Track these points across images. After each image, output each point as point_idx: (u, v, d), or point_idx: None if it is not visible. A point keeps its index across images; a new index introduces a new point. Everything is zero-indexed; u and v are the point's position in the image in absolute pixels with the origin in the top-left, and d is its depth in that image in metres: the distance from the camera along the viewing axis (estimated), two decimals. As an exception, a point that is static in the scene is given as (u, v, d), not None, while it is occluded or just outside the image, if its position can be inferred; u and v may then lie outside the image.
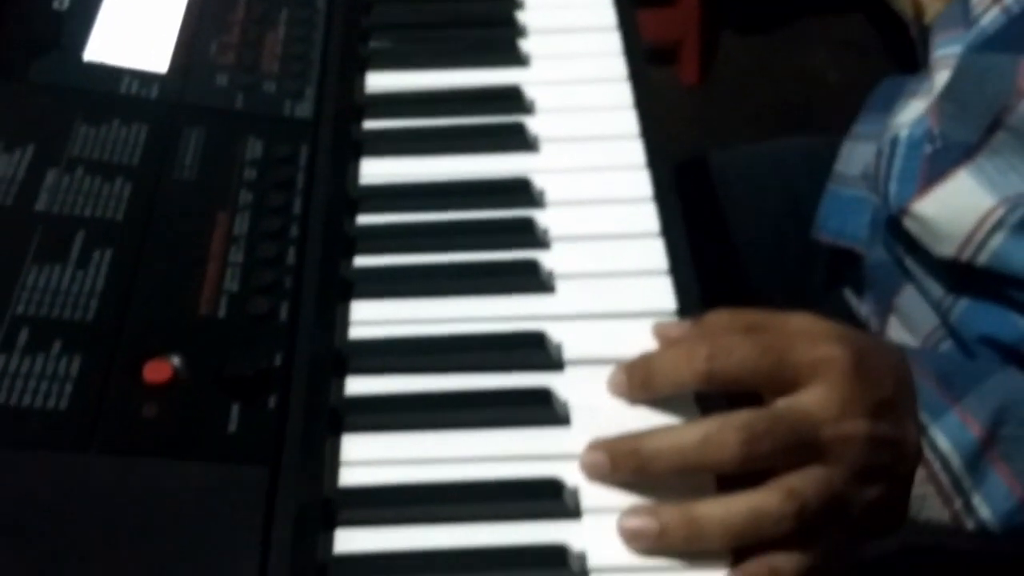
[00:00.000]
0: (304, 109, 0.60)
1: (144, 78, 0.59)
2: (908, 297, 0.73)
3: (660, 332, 0.53)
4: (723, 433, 0.46)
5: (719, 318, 0.52)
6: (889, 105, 0.80)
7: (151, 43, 0.61)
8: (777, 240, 0.87)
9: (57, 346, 0.47)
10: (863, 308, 0.78)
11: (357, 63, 0.65)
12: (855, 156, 0.80)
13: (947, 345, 0.69)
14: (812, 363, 0.48)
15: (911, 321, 0.73)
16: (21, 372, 0.46)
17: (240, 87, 0.60)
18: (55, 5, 0.61)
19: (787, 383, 0.48)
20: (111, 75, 0.59)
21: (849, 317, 0.79)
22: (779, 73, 1.92)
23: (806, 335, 0.50)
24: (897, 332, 0.74)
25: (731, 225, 0.88)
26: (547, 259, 0.56)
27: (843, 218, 0.79)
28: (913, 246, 0.70)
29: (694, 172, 0.92)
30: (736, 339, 0.49)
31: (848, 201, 0.79)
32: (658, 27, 1.84)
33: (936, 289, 0.70)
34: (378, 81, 0.66)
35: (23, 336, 0.47)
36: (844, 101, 1.92)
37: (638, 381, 0.50)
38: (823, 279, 0.82)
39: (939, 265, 0.68)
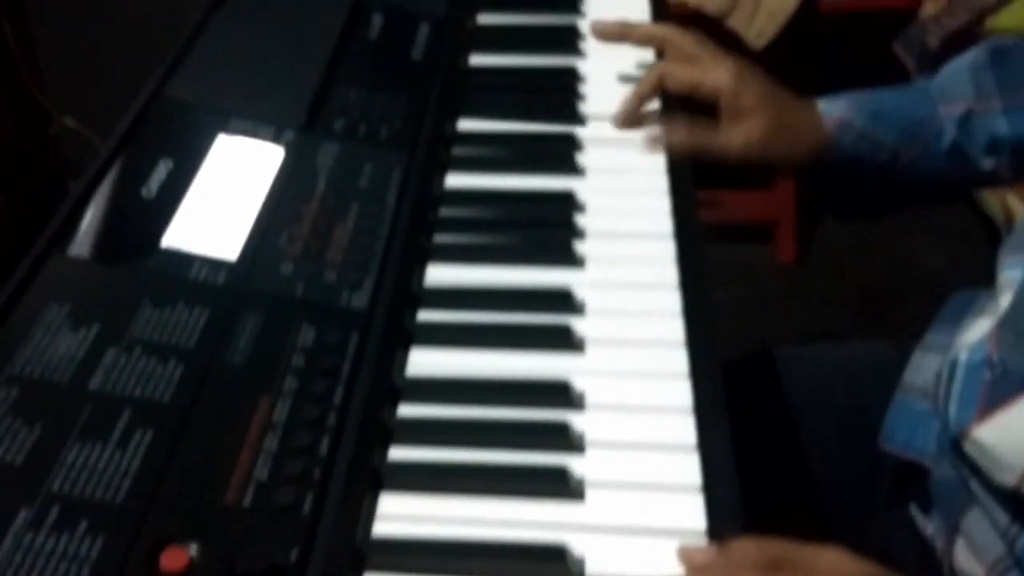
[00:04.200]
0: (360, 299, 0.61)
1: (214, 265, 0.61)
2: (975, 520, 0.67)
3: (684, 557, 0.49)
4: None
5: (744, 550, 0.48)
6: (959, 319, 0.76)
7: (227, 231, 0.63)
8: (843, 445, 0.82)
9: (83, 526, 0.47)
10: (929, 526, 0.73)
11: (419, 256, 0.66)
12: (924, 367, 0.76)
13: (1014, 576, 0.64)
14: None
15: (977, 546, 0.67)
16: (44, 550, 0.45)
17: (302, 276, 0.61)
18: (143, 192, 0.64)
19: None
20: (184, 261, 0.60)
21: (914, 534, 0.73)
22: (876, 256, 1.87)
23: None
24: (964, 556, 0.68)
25: (797, 425, 0.84)
26: (579, 465, 0.54)
27: (910, 431, 0.74)
28: (977, 469, 0.65)
29: (762, 366, 0.89)
30: None
31: (915, 414, 0.74)
32: (755, 208, 1.83)
33: (1002, 516, 0.64)
34: (438, 274, 0.66)
35: (53, 514, 0.47)
36: (942, 288, 1.86)
37: None
38: (888, 492, 0.77)
39: (1003, 492, 0.63)
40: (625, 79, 0.84)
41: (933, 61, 1.53)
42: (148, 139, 0.69)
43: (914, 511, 0.74)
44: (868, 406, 0.80)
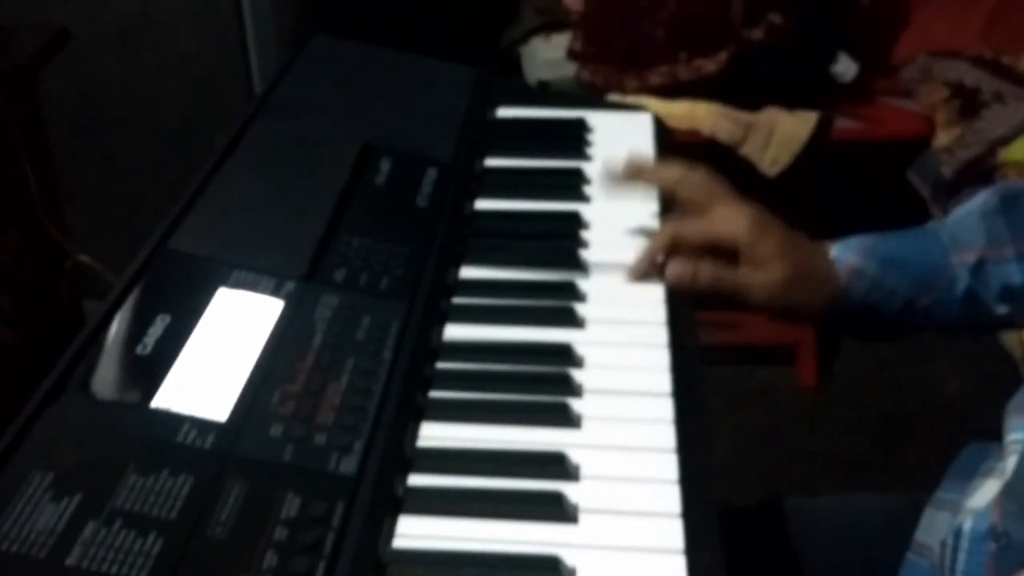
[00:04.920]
0: (349, 464, 0.59)
1: (202, 427, 0.60)
2: None
3: None
4: None
5: None
6: (970, 475, 0.74)
7: (219, 390, 0.63)
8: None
9: None
10: None
11: (412, 416, 0.65)
12: (935, 527, 0.73)
13: None
14: None
15: None
16: None
17: (292, 439, 0.60)
18: (139, 350, 0.64)
19: None
20: (173, 422, 0.60)
21: None
22: (899, 380, 1.84)
23: None
24: None
25: (805, 576, 0.81)
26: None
27: (921, 593, 0.72)
28: None
29: (771, 517, 0.86)
30: None
31: (926, 574, 0.72)
32: (775, 330, 1.81)
33: None
34: (432, 433, 0.65)
35: None
36: (964, 415, 1.82)
37: None
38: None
39: None
40: (631, 231, 0.83)
41: (948, 191, 1.53)
42: (149, 293, 0.69)
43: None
44: (880, 564, 0.77)
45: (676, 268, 0.76)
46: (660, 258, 0.78)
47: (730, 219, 0.78)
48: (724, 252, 0.78)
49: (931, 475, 0.79)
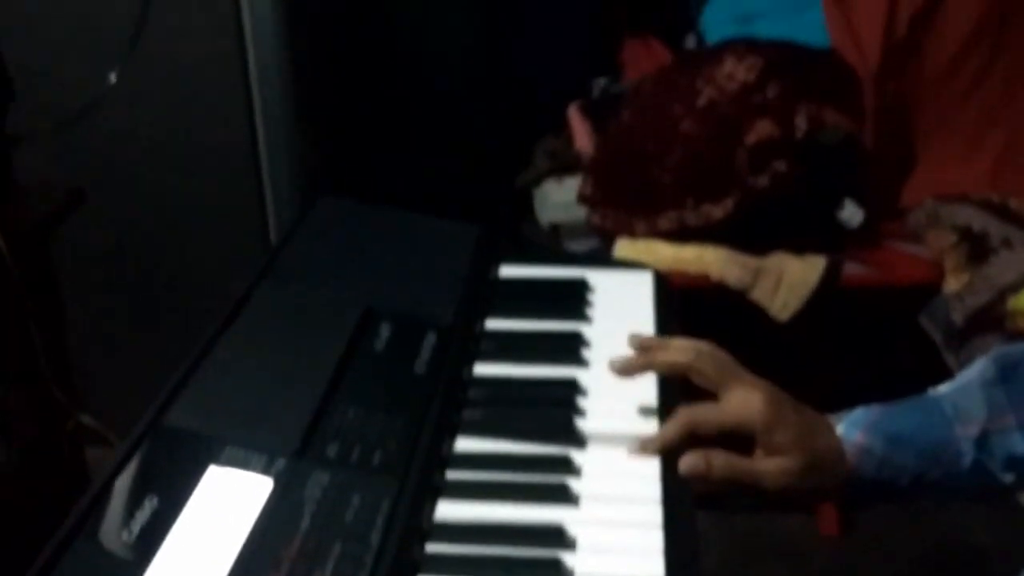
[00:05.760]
0: (330, 660, 0.58)
1: (182, 620, 0.59)
2: None
3: None
4: None
5: None
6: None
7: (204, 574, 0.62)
8: None
9: None
10: None
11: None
12: None
13: None
14: None
15: None
16: None
17: (272, 633, 0.59)
18: (123, 536, 0.63)
19: None
20: (152, 615, 0.59)
21: None
22: (923, 528, 1.78)
23: None
24: None
25: None
26: None
27: None
28: None
29: None
30: None
31: None
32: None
33: None
34: (418, 623, 0.63)
35: None
36: (995, 565, 1.75)
37: None
38: None
39: None
40: (629, 400, 0.83)
41: (959, 337, 1.52)
42: (140, 473, 0.69)
43: None
44: None
45: (690, 461, 0.76)
46: (673, 446, 0.77)
47: (744, 406, 0.78)
48: (736, 436, 0.77)
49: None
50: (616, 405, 0.83)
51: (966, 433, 0.78)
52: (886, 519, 1.80)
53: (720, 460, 0.76)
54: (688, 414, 0.78)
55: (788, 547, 1.76)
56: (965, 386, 0.81)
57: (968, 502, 1.59)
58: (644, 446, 0.77)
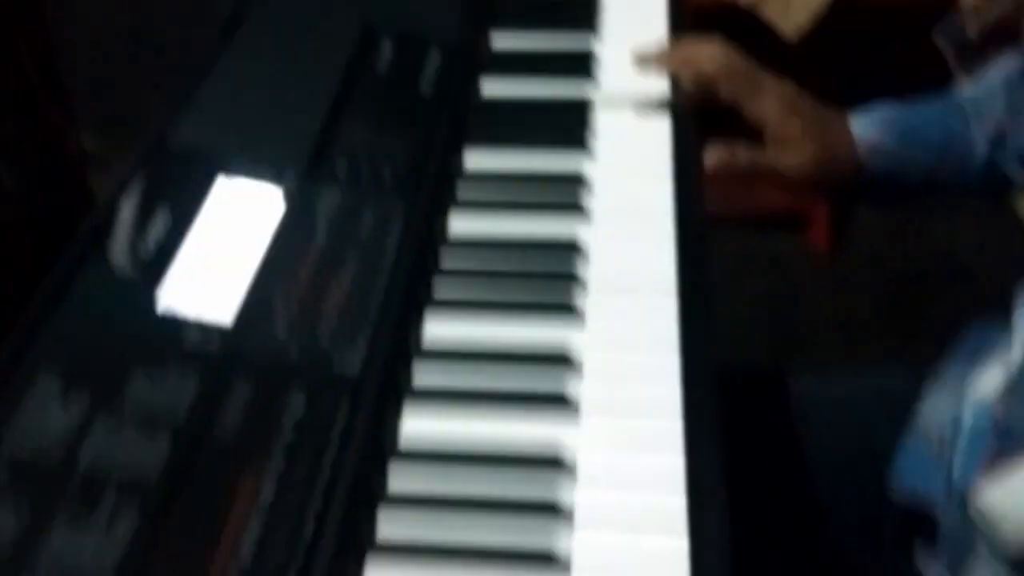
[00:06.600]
0: (354, 364, 0.60)
1: (207, 329, 0.60)
2: (979, 572, 0.66)
3: None
4: None
5: None
6: (974, 356, 0.74)
7: (222, 291, 0.62)
8: (853, 479, 0.81)
9: (63, 623, 0.47)
10: (932, 570, 0.71)
11: (415, 315, 0.65)
12: (938, 407, 0.74)
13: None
14: None
15: (981, 599, 0.66)
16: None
17: (296, 339, 0.60)
18: (140, 248, 0.63)
19: None
20: (178, 324, 0.60)
21: (915, 576, 0.72)
22: (912, 244, 1.82)
23: None
24: (966, 608, 0.67)
25: (806, 454, 0.83)
26: (566, 544, 0.53)
27: (919, 476, 0.73)
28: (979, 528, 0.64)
29: (774, 390, 0.87)
30: None
31: (925, 459, 0.73)
32: (788, 195, 1.79)
33: (1006, 574, 0.63)
34: (436, 330, 0.65)
35: (36, 609, 0.47)
36: (979, 283, 1.80)
37: None
38: (894, 531, 0.76)
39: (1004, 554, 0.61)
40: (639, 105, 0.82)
41: (973, 52, 1.47)
42: (146, 189, 0.68)
43: (918, 554, 0.73)
44: (880, 442, 0.78)
45: (715, 154, 0.78)
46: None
47: (761, 95, 0.78)
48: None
49: (940, 344, 0.80)
50: (627, 120, 0.81)
51: (982, 129, 0.79)
52: (875, 234, 1.83)
53: (743, 152, 0.78)
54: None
55: (777, 264, 1.80)
56: (988, 83, 0.80)
57: (964, 203, 1.62)
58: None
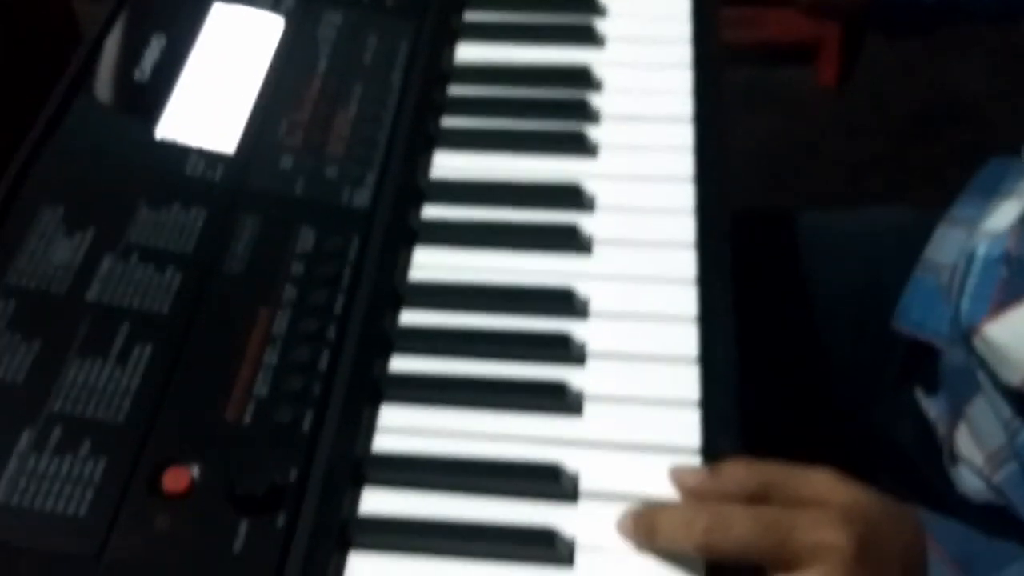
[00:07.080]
0: (362, 197, 0.58)
1: (210, 159, 0.58)
2: (979, 408, 0.67)
3: (675, 478, 0.49)
4: None
5: (734, 472, 0.48)
6: (991, 191, 0.73)
7: (224, 118, 0.60)
8: (857, 318, 0.81)
9: (86, 448, 0.47)
10: (933, 409, 0.72)
11: (424, 145, 0.63)
12: (947, 243, 0.74)
13: (1010, 467, 0.64)
14: (813, 548, 0.44)
15: (979, 434, 0.67)
16: (48, 474, 0.46)
17: (302, 171, 0.59)
18: (136, 76, 0.61)
19: (786, 564, 0.45)
20: (180, 154, 0.58)
21: (917, 416, 0.73)
22: (921, 80, 1.78)
23: (816, 511, 0.46)
24: (965, 442, 0.68)
25: (811, 292, 0.83)
26: (578, 378, 0.53)
27: (926, 310, 0.73)
28: (984, 362, 0.64)
29: (780, 228, 0.87)
30: (737, 513, 0.45)
31: (932, 293, 0.72)
32: (798, 26, 1.73)
33: (1006, 409, 0.64)
34: (444, 162, 0.63)
35: (55, 435, 0.47)
36: (988, 120, 1.77)
37: (643, 532, 0.47)
38: (897, 371, 0.76)
39: (1007, 389, 0.62)
40: None
41: None
42: (141, 13, 0.65)
43: (920, 393, 0.74)
44: (887, 280, 0.78)
45: None
46: None
47: None
48: None
49: (947, 181, 0.78)
50: None
51: None
52: (883, 71, 1.79)
53: None
54: None
55: (784, 98, 1.77)
56: None
57: (973, 45, 1.57)
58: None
